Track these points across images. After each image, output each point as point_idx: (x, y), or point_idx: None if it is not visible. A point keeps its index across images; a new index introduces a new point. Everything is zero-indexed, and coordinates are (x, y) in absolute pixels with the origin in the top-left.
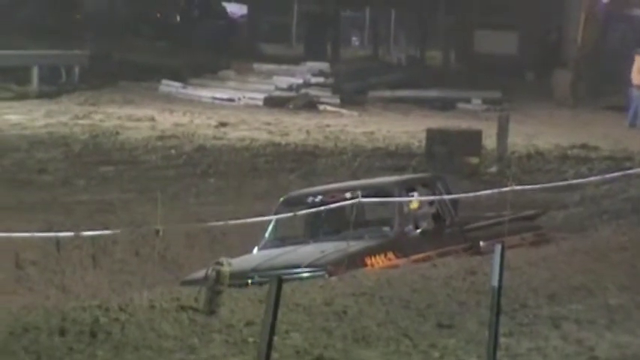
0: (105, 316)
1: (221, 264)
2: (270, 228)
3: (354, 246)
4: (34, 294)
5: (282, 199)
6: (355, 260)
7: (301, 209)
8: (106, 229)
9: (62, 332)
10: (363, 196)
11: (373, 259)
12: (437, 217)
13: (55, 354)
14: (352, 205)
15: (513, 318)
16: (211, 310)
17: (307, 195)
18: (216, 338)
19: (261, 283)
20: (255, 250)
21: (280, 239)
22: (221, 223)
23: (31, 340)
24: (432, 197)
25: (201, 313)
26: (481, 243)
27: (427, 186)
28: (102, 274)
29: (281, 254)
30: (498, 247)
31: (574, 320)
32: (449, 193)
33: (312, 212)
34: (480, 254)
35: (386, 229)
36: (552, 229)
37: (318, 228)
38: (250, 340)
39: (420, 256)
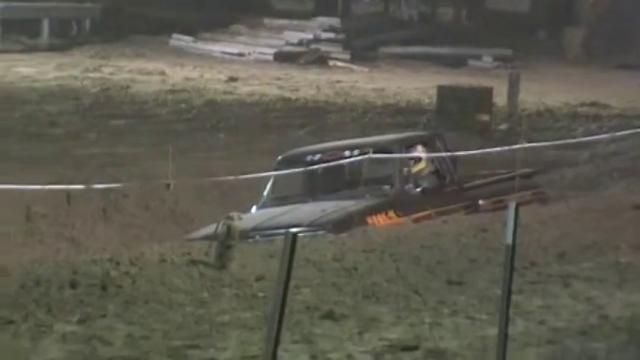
0: (116, 269)
1: (232, 218)
2: (268, 186)
3: (355, 205)
4: (44, 247)
5: (280, 157)
6: (356, 219)
7: (299, 167)
8: (117, 182)
9: (73, 285)
10: (361, 154)
11: (374, 217)
12: (437, 176)
13: (66, 307)
14: (357, 162)
15: (523, 276)
16: (222, 264)
17: (306, 153)
18: (226, 292)
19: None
20: (254, 209)
21: (279, 198)
22: (231, 177)
23: (42, 293)
24: (433, 154)
25: (212, 267)
26: (480, 201)
27: (427, 144)
28: (112, 228)
29: (281, 213)
30: (513, 205)
31: (584, 278)
32: (448, 151)
33: (311, 170)
34: (478, 212)
35: (386, 187)
36: (562, 186)
37: (317, 186)
38: (260, 294)
39: (421, 214)
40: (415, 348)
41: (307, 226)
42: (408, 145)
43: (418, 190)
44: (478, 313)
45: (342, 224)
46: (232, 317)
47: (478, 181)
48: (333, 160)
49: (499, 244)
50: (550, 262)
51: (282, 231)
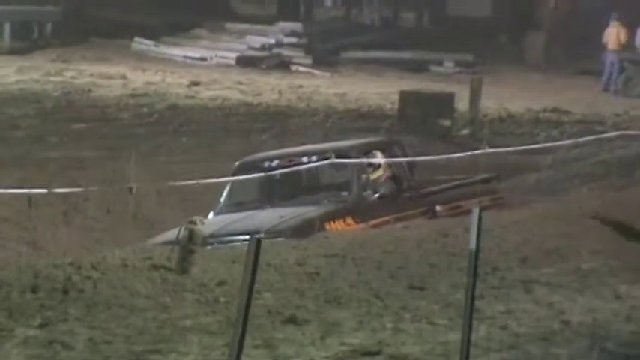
0: (77, 273)
1: (194, 223)
2: (225, 193)
3: (313, 211)
4: (5, 250)
5: (237, 163)
6: (314, 225)
7: (257, 173)
8: (78, 186)
9: (34, 289)
10: (318, 161)
11: (332, 224)
12: (395, 182)
13: (27, 311)
14: (315, 168)
15: (485, 281)
16: (184, 269)
17: (263, 159)
18: (188, 297)
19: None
20: (211, 215)
21: (236, 204)
22: (193, 182)
23: (3, 297)
24: (395, 159)
25: (174, 272)
26: (437, 207)
27: (384, 150)
28: (74, 232)
29: (239, 220)
30: (476, 210)
31: (546, 284)
32: (406, 156)
33: (268, 177)
34: (435, 218)
35: (344, 193)
36: (524, 192)
37: (274, 193)
38: (222, 299)
39: (379, 220)
40: (377, 353)
41: (266, 232)
42: (366, 151)
43: (376, 196)
44: (440, 318)
45: (300, 231)
46: (194, 322)
47: (436, 187)
48: (291, 166)
49: (460, 249)
50: (512, 268)
51: (240, 237)
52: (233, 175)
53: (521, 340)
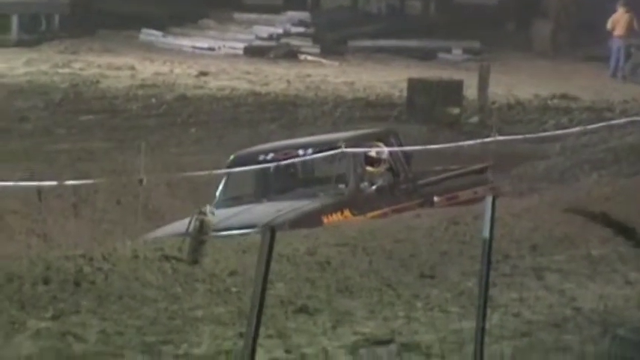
0: (88, 265)
1: (205, 213)
2: (221, 187)
3: (310, 204)
4: (15, 243)
5: (232, 157)
6: (312, 219)
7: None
8: (88, 178)
9: (46, 281)
10: (314, 153)
11: (330, 217)
12: (391, 173)
13: (39, 303)
14: (310, 161)
15: (496, 269)
16: (195, 259)
17: (258, 153)
18: (199, 288)
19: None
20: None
21: (232, 198)
22: (203, 172)
23: (14, 290)
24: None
25: (185, 262)
26: (435, 198)
27: (380, 141)
28: (84, 224)
29: (236, 214)
30: (490, 198)
31: (557, 271)
32: (401, 147)
33: (264, 170)
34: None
35: (341, 186)
36: (534, 179)
37: (270, 186)
38: (234, 289)
39: (376, 212)
40: (389, 342)
41: (263, 226)
42: (363, 142)
43: (373, 188)
44: (452, 306)
45: (298, 224)
46: (206, 312)
47: (432, 178)
48: (287, 159)
49: (471, 237)
50: (523, 255)
51: (237, 232)
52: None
53: (534, 328)
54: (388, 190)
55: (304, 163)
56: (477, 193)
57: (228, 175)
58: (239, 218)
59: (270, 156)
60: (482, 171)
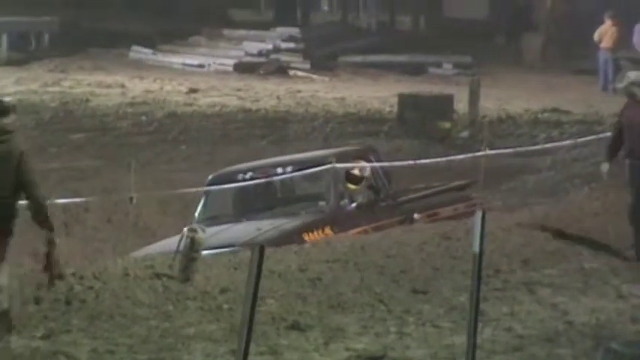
0: (79, 284)
1: (195, 231)
2: (200, 207)
3: (290, 222)
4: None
5: (210, 176)
6: (292, 237)
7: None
8: (78, 196)
9: (37, 301)
10: (294, 171)
11: (310, 234)
12: (372, 190)
13: (30, 322)
14: (290, 179)
15: (488, 283)
16: (186, 277)
17: (237, 172)
18: (191, 305)
19: None
20: (185, 230)
21: (211, 218)
22: (194, 189)
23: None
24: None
25: (176, 280)
26: (415, 215)
27: (360, 158)
28: (75, 242)
29: (215, 233)
30: (479, 213)
31: (548, 285)
32: (382, 164)
33: (242, 189)
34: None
35: (322, 203)
36: (524, 193)
37: (250, 205)
38: (225, 306)
39: (357, 230)
40: (382, 358)
41: (241, 245)
42: (342, 160)
43: (353, 205)
44: (444, 321)
45: (279, 243)
46: (197, 330)
47: (413, 195)
48: (264, 177)
49: (462, 252)
50: (514, 270)
51: (217, 251)
52: (206, 190)
53: (526, 342)
54: (369, 208)
55: (284, 181)
56: (457, 210)
57: (207, 194)
58: (218, 237)
59: (249, 175)
60: (463, 188)
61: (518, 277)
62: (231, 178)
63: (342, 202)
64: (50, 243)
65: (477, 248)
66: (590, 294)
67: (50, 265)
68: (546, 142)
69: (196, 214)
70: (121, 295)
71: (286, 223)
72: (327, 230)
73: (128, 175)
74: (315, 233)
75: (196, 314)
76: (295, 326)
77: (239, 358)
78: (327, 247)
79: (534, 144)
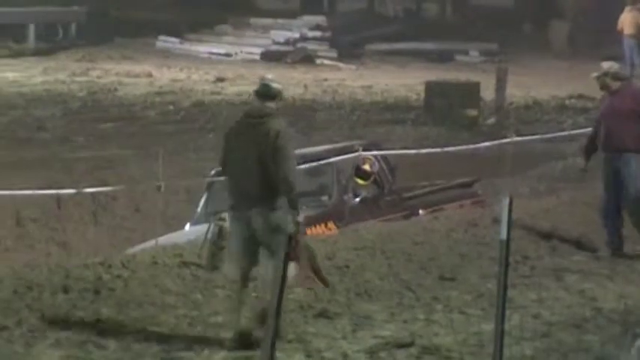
0: (108, 273)
1: (224, 219)
2: (202, 202)
3: None
4: (35, 251)
5: (213, 171)
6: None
7: None
8: (106, 185)
9: (66, 290)
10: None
11: (313, 229)
12: (376, 185)
13: (59, 311)
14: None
15: (516, 270)
16: (214, 265)
17: None
18: (219, 294)
19: None
20: (188, 226)
21: (214, 213)
22: (222, 178)
23: (34, 298)
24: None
25: (204, 268)
26: (420, 211)
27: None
28: (103, 231)
29: None
30: (506, 200)
31: (576, 271)
32: (385, 159)
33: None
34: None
35: (324, 198)
36: (552, 179)
37: None
38: (253, 295)
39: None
40: (410, 345)
41: None
42: (344, 154)
43: (357, 200)
44: (472, 308)
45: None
46: (226, 318)
47: (418, 191)
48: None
49: (489, 239)
50: (542, 256)
51: None
52: (209, 184)
53: (554, 329)
54: (372, 202)
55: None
56: (462, 207)
57: (210, 189)
58: None
59: None
60: (469, 184)
61: (546, 263)
62: None
63: (345, 197)
64: (295, 224)
65: (504, 235)
66: (617, 280)
67: (295, 251)
68: (573, 129)
69: (198, 210)
70: (149, 284)
71: None
72: (330, 224)
73: (156, 164)
74: (318, 227)
75: (224, 302)
76: (323, 314)
77: (267, 346)
78: (355, 234)
79: (561, 130)
